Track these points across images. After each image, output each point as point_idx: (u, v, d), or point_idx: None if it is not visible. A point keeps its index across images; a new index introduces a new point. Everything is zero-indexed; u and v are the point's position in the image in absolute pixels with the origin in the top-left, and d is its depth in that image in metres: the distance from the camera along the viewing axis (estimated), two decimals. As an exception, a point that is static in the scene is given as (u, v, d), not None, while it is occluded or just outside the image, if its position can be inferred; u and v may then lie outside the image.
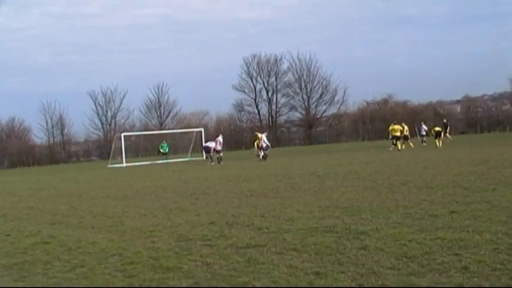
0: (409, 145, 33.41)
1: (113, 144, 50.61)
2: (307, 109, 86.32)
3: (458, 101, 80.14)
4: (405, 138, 34.14)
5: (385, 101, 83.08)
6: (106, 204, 13.49)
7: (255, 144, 34.64)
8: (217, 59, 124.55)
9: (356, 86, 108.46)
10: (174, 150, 62.56)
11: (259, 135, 34.56)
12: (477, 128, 69.08)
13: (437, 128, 35.69)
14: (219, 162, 32.54)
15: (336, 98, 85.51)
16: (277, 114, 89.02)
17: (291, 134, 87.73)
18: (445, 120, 43.35)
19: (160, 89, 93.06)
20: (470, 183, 11.96)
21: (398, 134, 33.54)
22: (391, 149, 33.20)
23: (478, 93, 75.35)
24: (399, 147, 32.52)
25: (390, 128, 34.32)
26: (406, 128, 34.46)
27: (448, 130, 41.37)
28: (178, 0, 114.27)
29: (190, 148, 48.70)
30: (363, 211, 8.99)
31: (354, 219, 8.28)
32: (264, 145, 33.52)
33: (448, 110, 76.84)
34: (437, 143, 33.50)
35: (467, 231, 6.76)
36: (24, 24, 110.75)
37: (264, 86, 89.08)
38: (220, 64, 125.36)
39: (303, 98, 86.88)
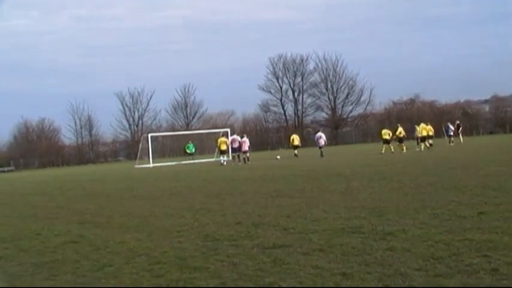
0: (402, 148, 33.06)
1: (140, 145, 51.07)
2: (333, 109, 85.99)
3: (486, 101, 78.84)
4: (399, 140, 34.02)
5: (411, 101, 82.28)
6: (133, 204, 13.62)
7: (223, 148, 35.37)
8: (243, 59, 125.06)
9: (382, 86, 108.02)
10: (201, 151, 62.85)
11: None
12: (506, 128, 67.91)
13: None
14: (245, 163, 32.63)
15: (362, 98, 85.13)
16: (303, 115, 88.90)
17: (313, 135, 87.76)
18: (458, 122, 43.05)
19: (186, 90, 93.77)
20: (499, 184, 11.76)
21: (387, 137, 33.94)
22: (417, 149, 32.95)
23: (507, 92, 74.04)
24: (383, 151, 32.51)
25: (383, 131, 34.54)
26: (400, 129, 34.43)
27: (460, 131, 41.06)
28: (201, 2, 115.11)
29: (217, 148, 49.01)
30: (390, 212, 8.92)
31: (380, 220, 8.22)
32: (247, 148, 34.25)
33: (476, 109, 75.72)
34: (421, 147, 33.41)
35: (496, 233, 6.64)
36: (52, 27, 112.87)
37: (290, 86, 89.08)
38: (246, 65, 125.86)
39: (329, 98, 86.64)
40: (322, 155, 33.32)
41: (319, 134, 35.74)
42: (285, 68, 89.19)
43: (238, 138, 34.76)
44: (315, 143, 37.16)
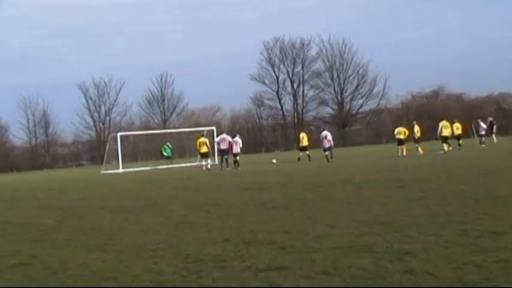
0: (418, 150, 33.20)
1: (107, 146, 51.05)
2: (340, 104, 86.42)
3: (525, 94, 79.30)
4: (415, 140, 34.17)
5: (434, 94, 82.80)
6: (99, 217, 13.57)
7: (204, 150, 35.51)
8: (231, 43, 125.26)
9: (399, 76, 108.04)
10: (180, 153, 62.84)
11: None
12: (549, 125, 68.41)
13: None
14: (236, 168, 32.67)
15: (375, 90, 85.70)
16: (304, 110, 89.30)
17: (318, 134, 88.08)
18: (491, 119, 43.21)
19: (163, 80, 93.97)
20: (540, 193, 11.81)
21: (402, 136, 34.20)
22: (441, 151, 33.08)
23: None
24: (399, 154, 32.86)
25: (397, 130, 34.63)
26: (417, 128, 34.59)
27: (493, 130, 41.26)
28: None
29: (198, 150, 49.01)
30: (408, 227, 8.93)
31: (397, 236, 8.23)
32: (239, 150, 34.41)
33: (512, 103, 76.24)
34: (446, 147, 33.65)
35: (537, 252, 6.67)
36: None
37: (289, 75, 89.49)
38: (236, 50, 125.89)
39: (335, 91, 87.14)
40: (327, 158, 33.38)
41: (324, 133, 35.78)
42: (282, 53, 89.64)
43: (229, 138, 34.79)
44: (319, 144, 37.24)
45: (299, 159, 36.13)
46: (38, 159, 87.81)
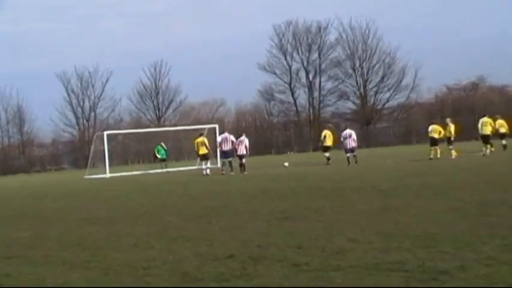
0: (451, 152, 33.10)
1: (92, 147, 51.28)
2: (363, 97, 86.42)
3: None
4: (448, 141, 34.02)
5: (474, 86, 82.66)
6: (82, 230, 13.59)
7: (203, 152, 35.56)
8: (236, 27, 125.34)
9: (433, 65, 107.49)
10: (178, 155, 62.97)
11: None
12: None
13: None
14: (242, 172, 32.69)
15: (404, 82, 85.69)
16: (321, 105, 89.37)
17: (340, 133, 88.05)
18: None
19: (158, 70, 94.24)
20: None
21: (436, 135, 34.06)
22: (482, 153, 32.98)
23: None
24: (432, 155, 32.83)
25: (431, 127, 34.40)
26: (451, 127, 34.39)
27: None
28: None
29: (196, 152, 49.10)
30: (443, 241, 8.90)
31: (430, 252, 8.20)
32: (245, 151, 34.15)
33: None
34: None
35: None
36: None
37: (303, 65, 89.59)
38: (242, 35, 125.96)
39: (357, 82, 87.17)
40: (348, 161, 33.30)
41: (348, 131, 35.52)
42: (295, 39, 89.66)
43: (231, 137, 34.69)
44: (340, 144, 37.07)
45: (329, 160, 35.65)
46: (11, 162, 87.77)
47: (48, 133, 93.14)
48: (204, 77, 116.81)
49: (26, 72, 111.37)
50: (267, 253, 9.04)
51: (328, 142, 37.05)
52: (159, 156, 48.33)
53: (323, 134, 37.78)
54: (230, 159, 34.09)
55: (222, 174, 33.02)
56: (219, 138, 35.92)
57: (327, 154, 36.17)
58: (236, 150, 34.00)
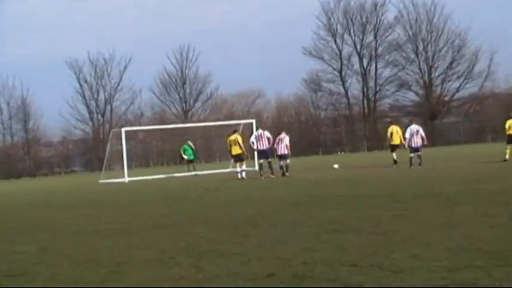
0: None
1: (108, 146, 51.54)
2: (427, 87, 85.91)
3: None
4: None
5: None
6: (96, 243, 13.67)
7: (237, 152, 35.43)
8: (277, 7, 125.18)
9: (511, 49, 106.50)
10: (208, 156, 63.12)
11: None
12: None
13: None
14: (283, 175, 32.69)
15: (477, 69, 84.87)
16: (378, 96, 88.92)
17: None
18: None
19: (184, 56, 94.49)
20: None
21: None
22: None
23: None
24: (508, 156, 32.64)
25: (508, 123, 33.90)
26: None
27: None
28: None
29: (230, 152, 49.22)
30: (524, 258, 8.80)
31: (507, 271, 8.11)
32: (286, 151, 34.03)
33: None
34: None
35: None
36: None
37: (356, 49, 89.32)
38: (283, 15, 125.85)
39: (420, 69, 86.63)
40: (411, 162, 33.01)
41: (415, 127, 35.00)
42: (347, 18, 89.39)
43: (267, 133, 34.69)
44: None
45: (396, 162, 35.43)
46: (15, 164, 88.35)
47: (57, 130, 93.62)
48: (239, 64, 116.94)
49: (31, 60, 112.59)
50: (314, 271, 9.00)
51: (396, 140, 36.74)
52: (185, 157, 48.42)
53: (389, 130, 37.46)
54: (269, 159, 34.08)
55: (261, 177, 33.03)
56: (252, 137, 35.67)
57: (395, 155, 35.84)
58: (275, 150, 33.98)
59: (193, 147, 49.08)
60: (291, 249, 10.91)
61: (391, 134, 37.06)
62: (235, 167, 36.30)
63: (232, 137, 35.77)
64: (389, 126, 39.06)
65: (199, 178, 40.31)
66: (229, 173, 40.72)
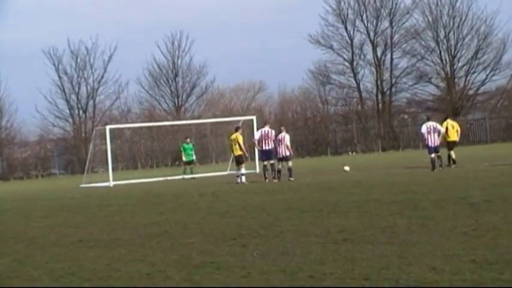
0: None
1: (91, 146, 51.51)
2: (449, 79, 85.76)
3: None
4: None
5: None
6: (78, 255, 13.71)
7: (235, 152, 35.39)
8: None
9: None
10: (203, 157, 63.06)
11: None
12: None
13: None
14: (289, 178, 32.82)
15: (505, 58, 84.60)
16: (394, 90, 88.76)
17: (418, 127, 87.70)
18: None
19: (176, 45, 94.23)
20: None
21: None
22: None
23: None
24: None
25: None
26: None
27: None
28: None
29: (231, 154, 49.04)
30: (559, 272, 8.85)
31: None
32: (288, 152, 33.96)
33: None
34: None
35: None
36: None
37: (369, 36, 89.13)
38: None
39: (441, 59, 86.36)
40: (433, 164, 32.89)
41: (432, 124, 34.88)
42: (358, 2, 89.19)
43: (273, 132, 34.58)
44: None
45: (454, 162, 35.13)
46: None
47: (34, 128, 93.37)
48: (238, 53, 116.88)
49: (4, 48, 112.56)
50: (322, 286, 9.04)
51: (453, 136, 36.30)
52: (185, 158, 47.12)
53: (444, 125, 36.98)
54: (273, 161, 33.98)
55: (266, 181, 33.00)
56: (256, 134, 35.42)
57: (453, 153, 35.45)
58: (278, 150, 33.83)
59: (191, 146, 48.32)
60: (296, 262, 10.95)
61: (447, 129, 36.68)
62: (238, 169, 35.64)
63: (233, 136, 35.65)
64: (444, 120, 38.77)
65: (194, 182, 40.26)
66: (227, 176, 40.71)
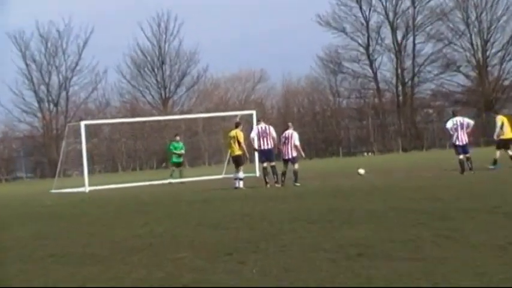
0: None
1: (63, 145, 51.57)
2: (481, 68, 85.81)
3: None
4: None
5: None
6: (49, 272, 13.73)
7: (234, 152, 35.39)
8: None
9: None
10: (193, 158, 63.11)
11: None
12: None
13: None
14: (294, 183, 32.88)
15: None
16: (417, 80, 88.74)
17: (445, 123, 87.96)
18: None
19: (163, 28, 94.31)
20: None
21: None
22: None
23: None
24: None
25: None
26: None
27: None
28: None
29: (229, 154, 49.04)
30: None
31: None
32: (295, 153, 33.94)
33: None
34: None
35: None
36: None
37: (387, 17, 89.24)
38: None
39: (472, 45, 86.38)
40: (463, 166, 32.93)
41: (458, 119, 34.89)
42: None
43: (271, 130, 34.44)
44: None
45: (496, 162, 35.16)
46: None
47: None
48: (234, 38, 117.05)
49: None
50: (332, 309, 9.07)
51: (509, 133, 36.23)
52: (174, 159, 47.03)
53: (500, 120, 36.91)
54: (273, 163, 33.91)
55: (267, 186, 33.04)
56: (252, 132, 35.02)
57: (510, 152, 35.45)
58: (280, 151, 33.75)
59: (183, 145, 48.20)
60: (302, 280, 10.98)
61: (502, 125, 36.58)
62: (236, 172, 35.50)
63: (232, 133, 35.33)
64: (495, 116, 38.66)
65: (183, 187, 40.28)
66: (221, 181, 40.75)
